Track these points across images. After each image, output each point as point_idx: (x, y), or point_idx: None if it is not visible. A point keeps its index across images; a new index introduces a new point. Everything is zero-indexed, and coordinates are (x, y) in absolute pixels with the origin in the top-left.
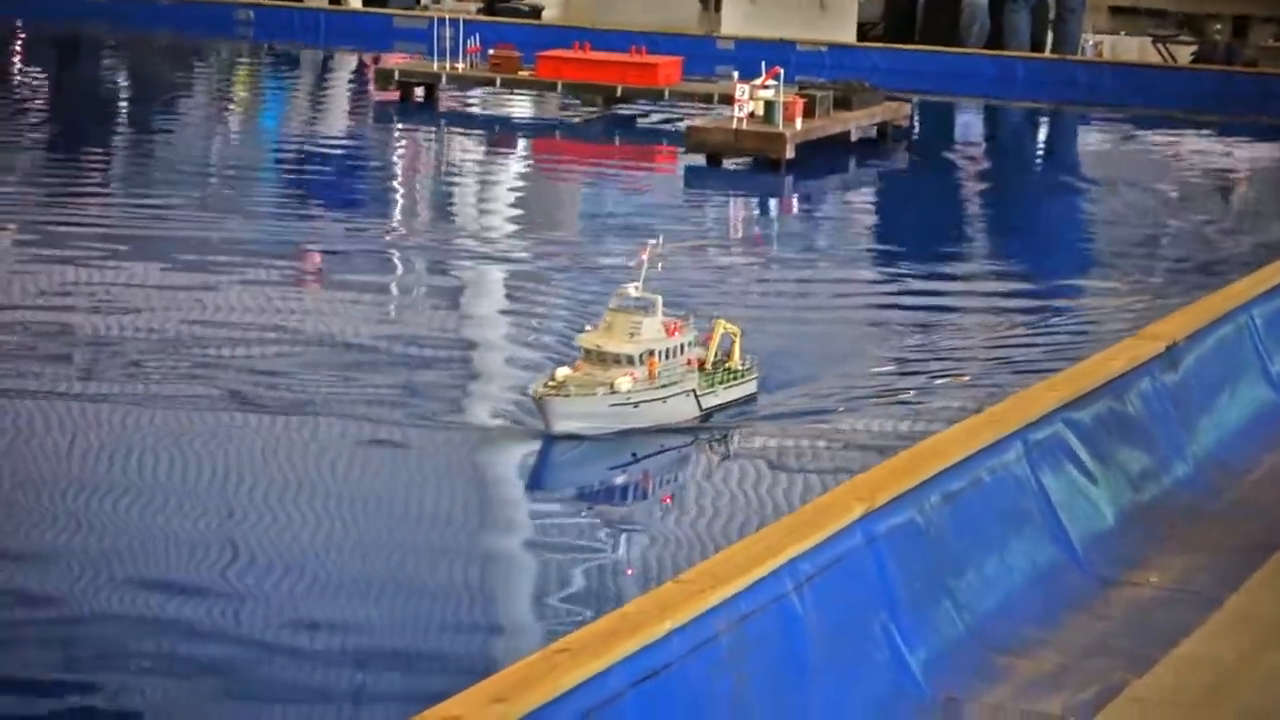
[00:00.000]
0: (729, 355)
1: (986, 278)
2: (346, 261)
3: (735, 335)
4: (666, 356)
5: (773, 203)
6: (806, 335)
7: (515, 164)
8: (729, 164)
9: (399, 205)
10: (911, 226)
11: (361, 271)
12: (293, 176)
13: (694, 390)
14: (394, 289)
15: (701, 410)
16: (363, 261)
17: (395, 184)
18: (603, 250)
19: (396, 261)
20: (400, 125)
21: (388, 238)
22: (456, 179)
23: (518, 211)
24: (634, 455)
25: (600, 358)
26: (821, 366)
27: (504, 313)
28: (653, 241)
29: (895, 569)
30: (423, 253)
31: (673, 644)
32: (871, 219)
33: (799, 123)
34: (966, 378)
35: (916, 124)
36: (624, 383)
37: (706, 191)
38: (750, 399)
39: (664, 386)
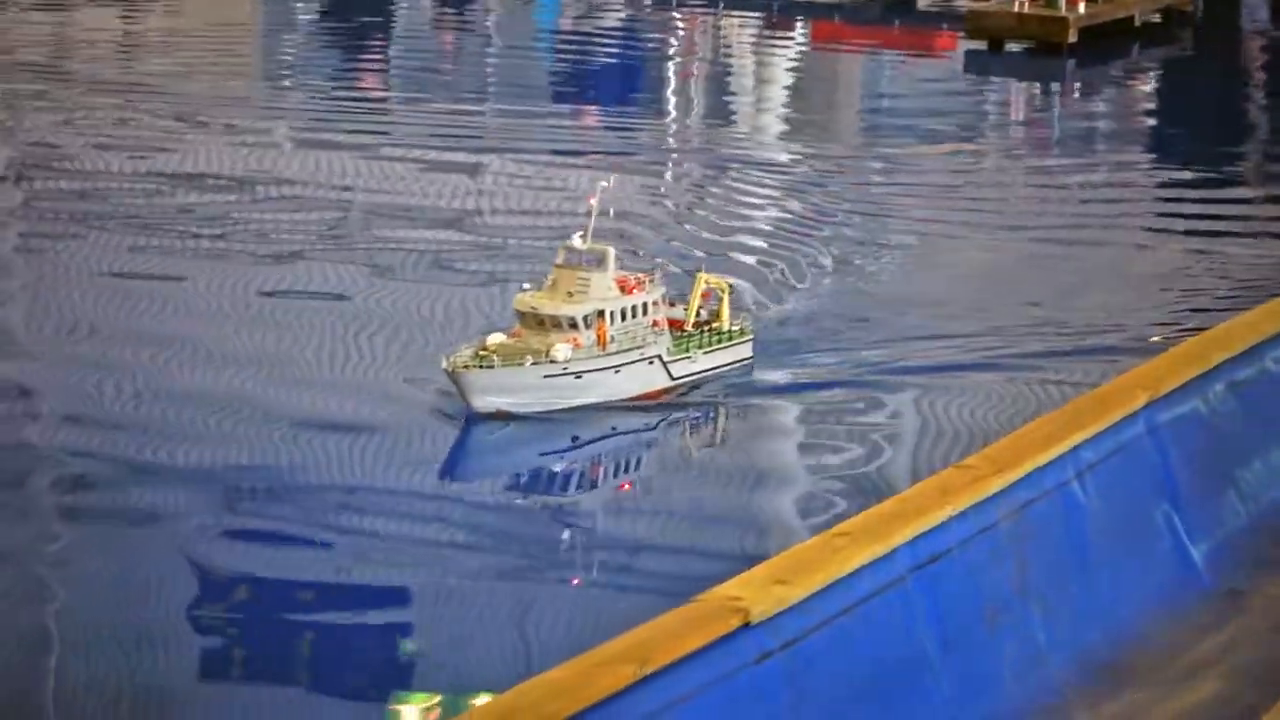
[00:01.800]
0: (716, 315)
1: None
2: (624, 163)
3: (723, 291)
4: (621, 318)
5: (1054, 89)
6: (1075, 251)
7: (792, 49)
8: (1010, 48)
9: (674, 99)
10: (1196, 119)
11: (645, 170)
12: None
13: (660, 357)
14: (668, 192)
15: (673, 379)
16: (637, 164)
17: (671, 72)
18: (874, 149)
19: (671, 163)
20: (679, 5)
21: (669, 140)
22: (734, 62)
23: (792, 104)
24: (575, 439)
25: (538, 321)
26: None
27: (765, 221)
28: (603, 183)
29: (1178, 458)
30: (697, 155)
31: (953, 529)
32: (1153, 109)
33: (1082, 7)
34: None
35: (1201, 8)
36: (561, 350)
37: (987, 77)
38: (744, 365)
39: (618, 353)
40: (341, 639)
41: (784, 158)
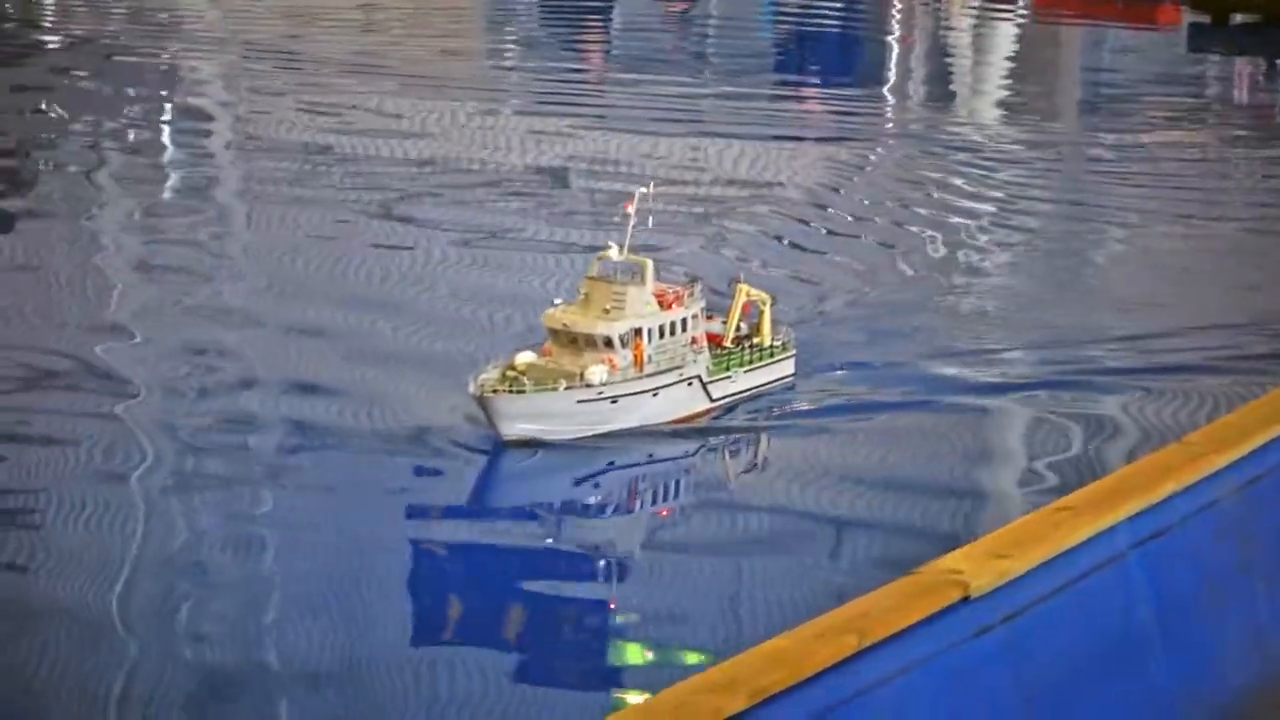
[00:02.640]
0: (756, 329)
1: None
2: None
3: (765, 304)
4: (660, 335)
5: None
6: None
7: (1013, 20)
8: (1236, 21)
9: (892, 73)
10: None
11: (854, 152)
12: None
13: (699, 378)
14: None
15: (712, 402)
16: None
17: (891, 44)
18: (1092, 131)
19: (882, 145)
20: None
21: (883, 121)
22: (953, 35)
23: (1011, 82)
24: (611, 463)
25: (570, 340)
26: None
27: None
28: (642, 190)
29: None
30: (909, 139)
31: (1174, 506)
32: None
33: None
34: None
35: None
36: (597, 372)
37: (1210, 53)
38: (786, 383)
39: (656, 375)
40: (553, 607)
41: (998, 140)
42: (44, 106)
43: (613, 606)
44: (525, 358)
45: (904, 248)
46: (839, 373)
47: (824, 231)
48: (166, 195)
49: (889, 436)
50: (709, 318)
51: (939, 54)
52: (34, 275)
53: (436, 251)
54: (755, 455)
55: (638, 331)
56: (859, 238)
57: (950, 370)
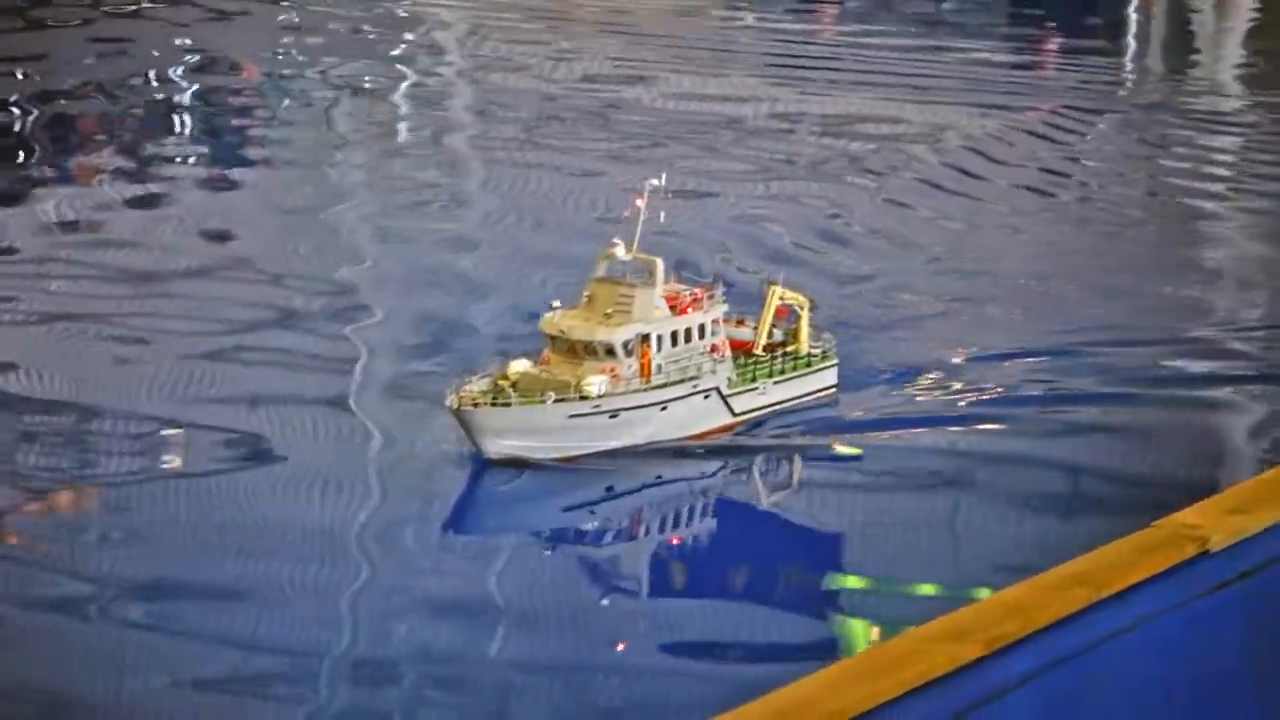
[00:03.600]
0: (793, 335)
1: None
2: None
3: (803, 307)
4: (671, 343)
5: None
6: None
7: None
8: None
9: (1132, 34)
10: None
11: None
12: None
13: (718, 390)
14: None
15: (735, 416)
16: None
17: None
18: None
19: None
20: None
21: (1120, 82)
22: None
23: (1254, 44)
24: (609, 489)
25: (568, 347)
26: None
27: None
28: (652, 181)
29: None
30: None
31: None
32: None
33: None
34: None
35: None
36: (594, 384)
37: None
38: (827, 395)
39: (666, 386)
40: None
41: (1236, 109)
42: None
43: None
44: (519, 366)
45: (1132, 216)
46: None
47: (1049, 196)
48: (407, 137)
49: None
50: (739, 322)
51: (1179, 17)
52: (286, 215)
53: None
54: (789, 477)
55: (644, 338)
56: (1086, 202)
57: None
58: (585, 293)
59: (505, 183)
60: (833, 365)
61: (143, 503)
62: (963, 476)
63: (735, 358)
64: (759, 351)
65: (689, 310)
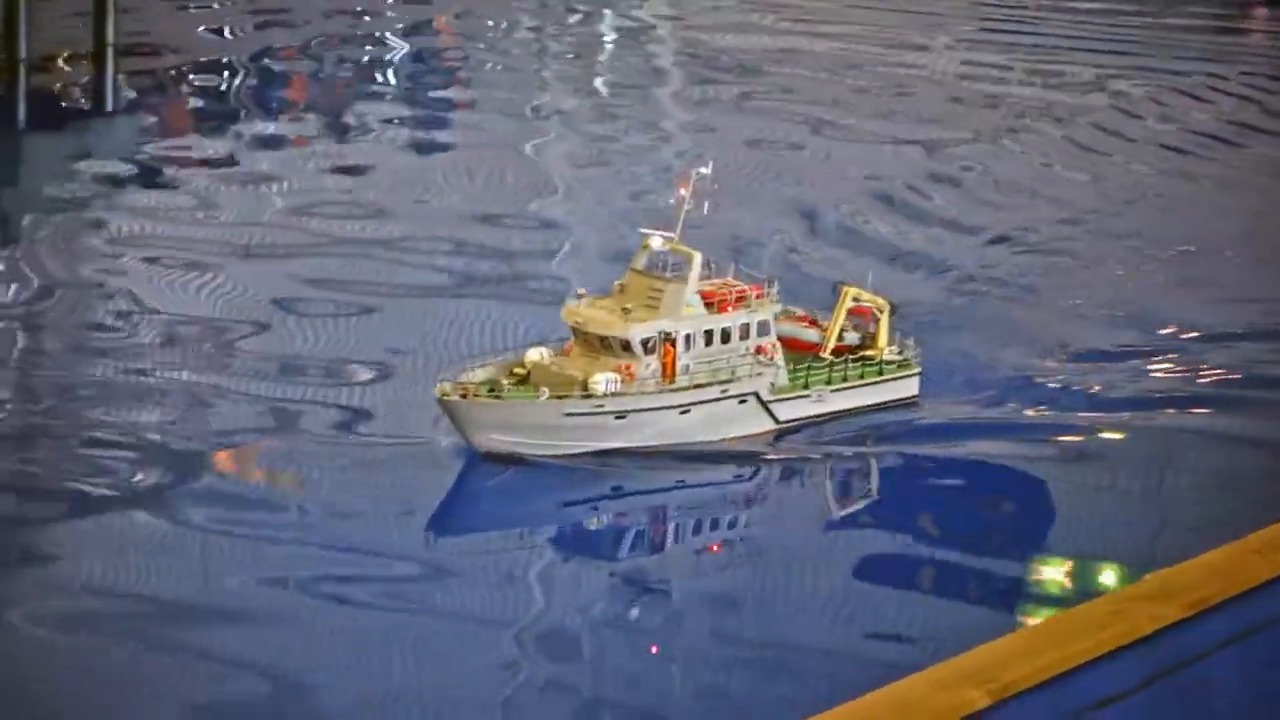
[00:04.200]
0: (870, 338)
1: None
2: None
3: (882, 311)
4: (706, 342)
5: None
6: None
7: None
8: None
9: None
10: None
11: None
12: None
13: (756, 395)
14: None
15: (779, 423)
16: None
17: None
18: None
19: None
20: None
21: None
22: None
23: None
24: (616, 489)
25: (587, 340)
26: None
27: None
28: (701, 170)
29: None
30: None
31: None
32: None
33: None
34: None
35: None
36: (601, 381)
37: None
38: (908, 405)
39: (692, 389)
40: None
41: None
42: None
43: None
44: (534, 355)
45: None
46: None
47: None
48: (607, 91)
49: None
50: (811, 323)
51: None
52: (483, 153)
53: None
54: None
55: (668, 337)
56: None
57: None
58: (617, 283)
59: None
60: (913, 374)
61: None
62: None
63: (798, 361)
64: (826, 355)
65: (731, 308)
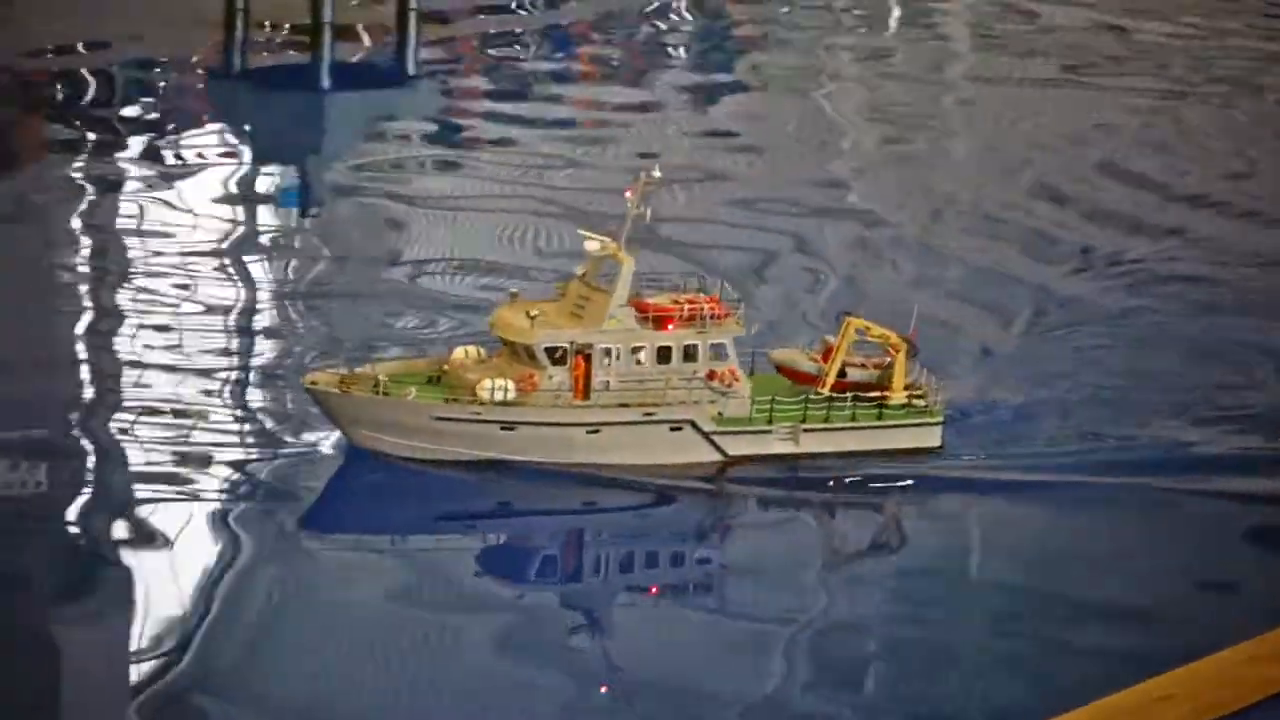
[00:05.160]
0: (884, 379)
1: None
2: None
3: (896, 349)
4: (637, 360)
5: None
6: None
7: None
8: None
9: None
10: None
11: None
12: None
13: (693, 423)
14: None
15: (725, 458)
16: None
17: None
18: None
19: None
20: None
21: None
22: None
23: None
24: (503, 504)
25: (509, 346)
26: None
27: None
28: (653, 173)
29: None
30: None
31: None
32: None
33: None
34: None
35: None
36: (489, 388)
37: None
38: (917, 460)
39: (601, 407)
40: None
41: None
42: None
43: None
44: (460, 354)
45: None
46: None
47: None
48: (901, 67)
49: None
50: (812, 357)
51: None
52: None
53: None
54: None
55: (583, 350)
56: None
57: None
58: (558, 286)
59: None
60: (935, 423)
61: None
62: None
63: (796, 394)
64: (823, 390)
65: (673, 326)
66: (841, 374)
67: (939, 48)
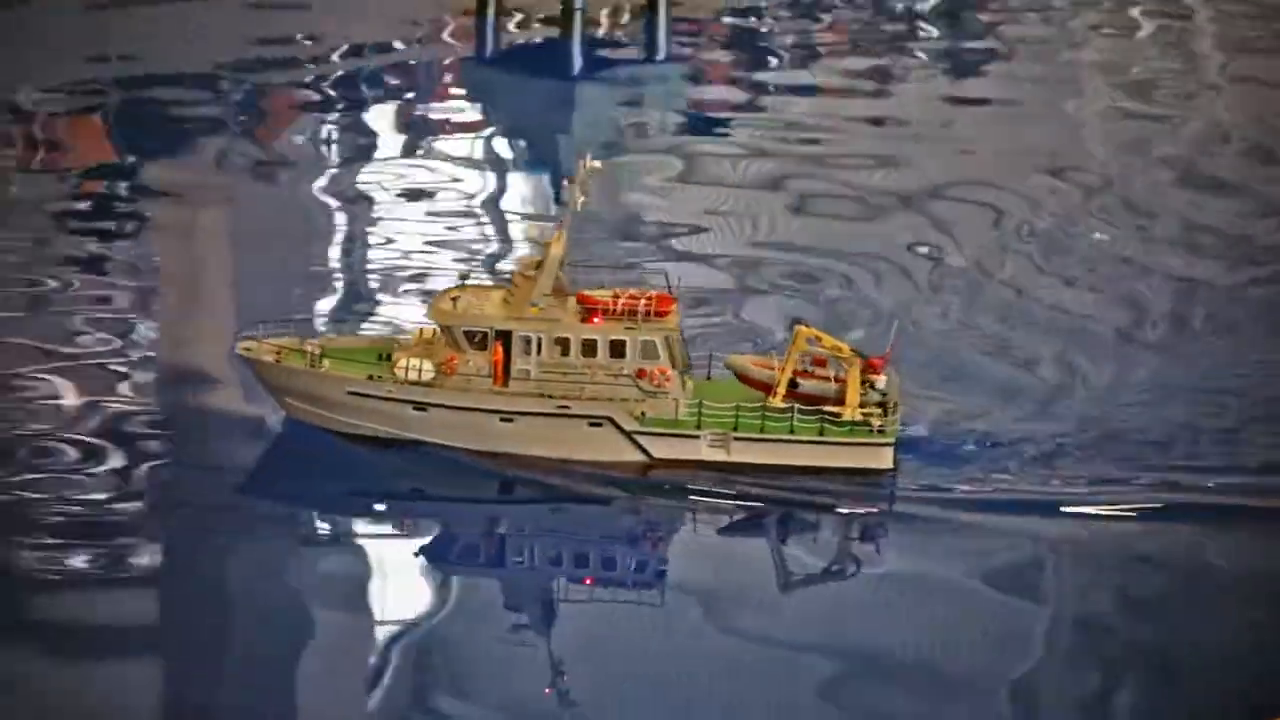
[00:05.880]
0: (838, 393)
1: None
2: None
3: (850, 362)
4: (561, 351)
5: None
6: None
7: None
8: None
9: None
10: None
11: None
12: None
13: (612, 419)
14: None
15: (650, 459)
16: None
17: None
18: None
19: None
20: None
21: None
22: None
23: None
24: (416, 491)
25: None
26: None
27: None
28: (595, 164)
29: None
30: None
31: None
32: None
33: None
34: None
35: None
36: (404, 366)
37: None
38: (857, 485)
39: (513, 395)
40: None
41: None
42: None
43: None
44: (417, 334)
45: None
46: None
47: None
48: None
49: None
50: (769, 364)
51: None
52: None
53: None
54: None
55: (502, 335)
56: None
57: None
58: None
59: None
60: (885, 443)
61: None
62: None
63: (752, 401)
64: (774, 400)
65: (599, 320)
66: (794, 384)
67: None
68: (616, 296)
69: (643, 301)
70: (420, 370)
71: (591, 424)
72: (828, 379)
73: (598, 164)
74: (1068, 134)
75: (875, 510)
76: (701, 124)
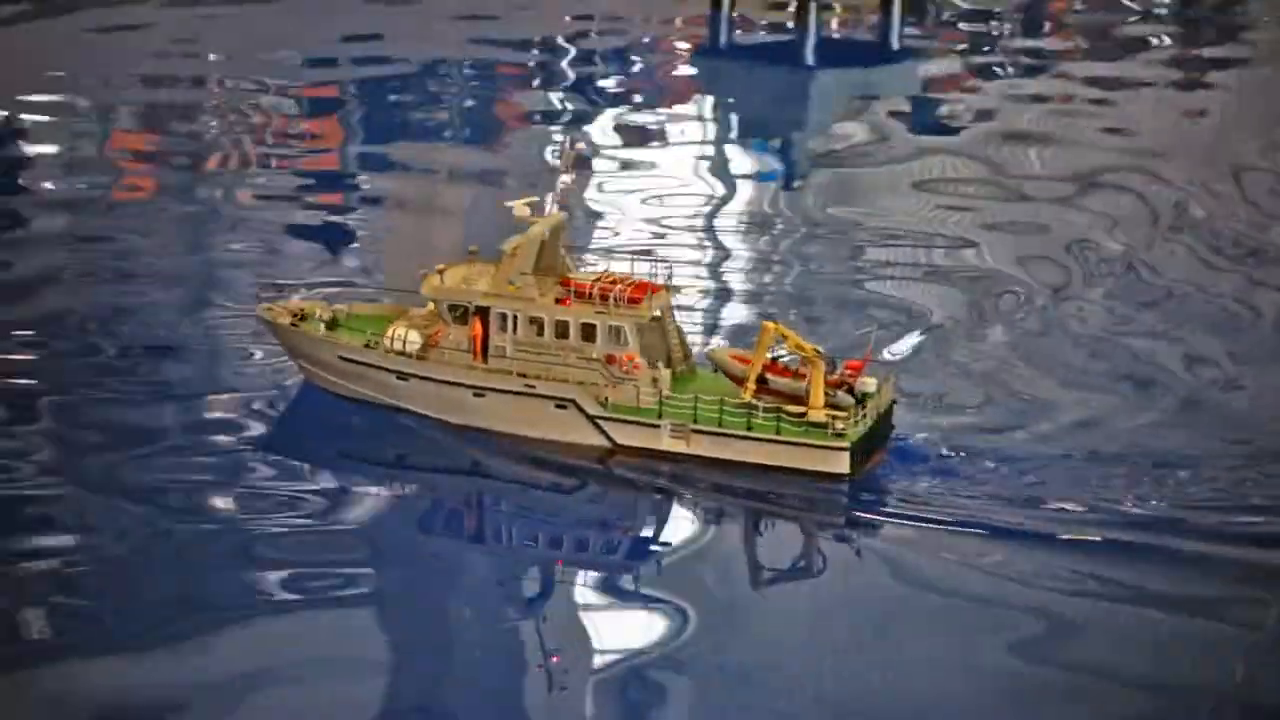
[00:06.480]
0: (804, 391)
1: None
2: None
3: (814, 362)
4: (537, 331)
5: None
6: None
7: None
8: None
9: None
10: None
11: None
12: None
13: (575, 402)
14: None
15: (612, 444)
16: None
17: None
18: None
19: None
20: None
21: None
22: None
23: None
24: (399, 458)
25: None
26: None
27: None
28: (578, 145)
29: None
30: None
31: None
32: None
33: None
34: None
35: None
36: (396, 335)
37: None
38: (827, 479)
39: (488, 371)
40: None
41: None
42: None
43: None
44: (430, 306)
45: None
46: None
47: None
48: None
49: None
50: (742, 357)
51: None
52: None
53: None
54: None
55: (480, 311)
56: None
57: None
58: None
59: None
60: (838, 448)
61: None
62: None
63: (691, 389)
64: (745, 395)
65: (570, 303)
66: (763, 380)
67: None
68: (598, 280)
69: (618, 287)
70: (405, 340)
71: (557, 405)
72: (804, 378)
73: (581, 145)
74: None
75: (830, 518)
76: (931, 110)
